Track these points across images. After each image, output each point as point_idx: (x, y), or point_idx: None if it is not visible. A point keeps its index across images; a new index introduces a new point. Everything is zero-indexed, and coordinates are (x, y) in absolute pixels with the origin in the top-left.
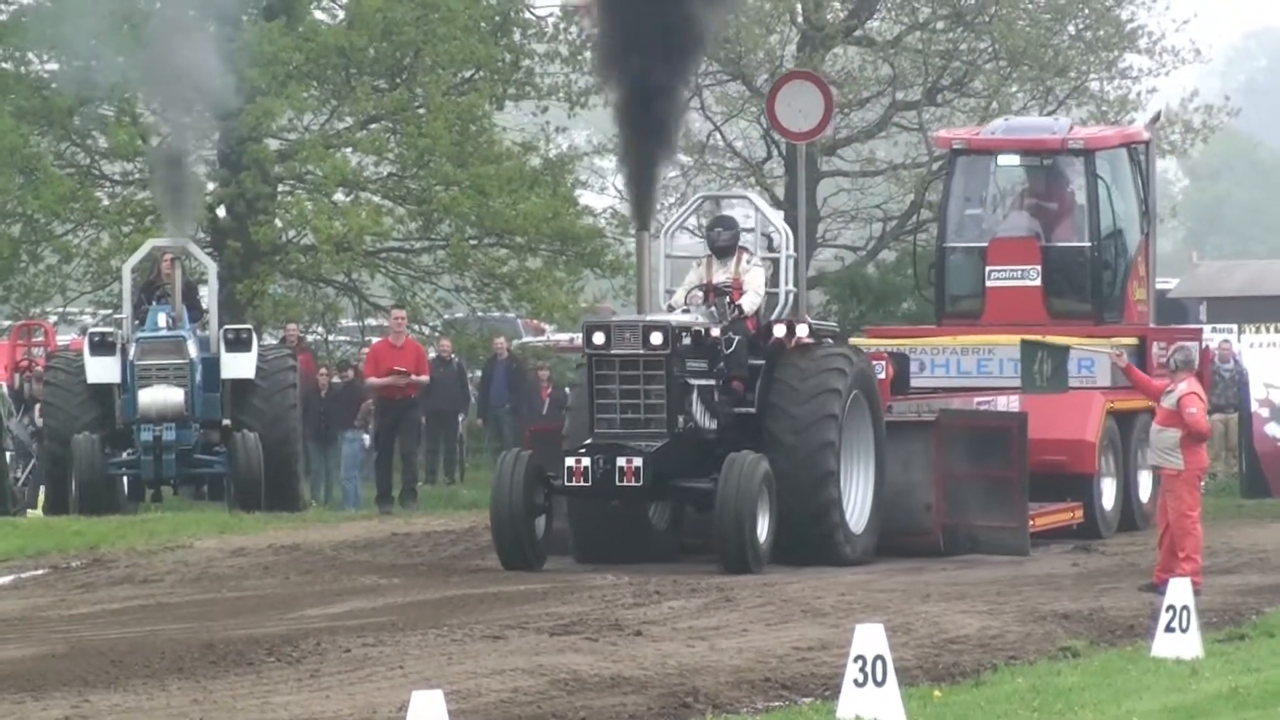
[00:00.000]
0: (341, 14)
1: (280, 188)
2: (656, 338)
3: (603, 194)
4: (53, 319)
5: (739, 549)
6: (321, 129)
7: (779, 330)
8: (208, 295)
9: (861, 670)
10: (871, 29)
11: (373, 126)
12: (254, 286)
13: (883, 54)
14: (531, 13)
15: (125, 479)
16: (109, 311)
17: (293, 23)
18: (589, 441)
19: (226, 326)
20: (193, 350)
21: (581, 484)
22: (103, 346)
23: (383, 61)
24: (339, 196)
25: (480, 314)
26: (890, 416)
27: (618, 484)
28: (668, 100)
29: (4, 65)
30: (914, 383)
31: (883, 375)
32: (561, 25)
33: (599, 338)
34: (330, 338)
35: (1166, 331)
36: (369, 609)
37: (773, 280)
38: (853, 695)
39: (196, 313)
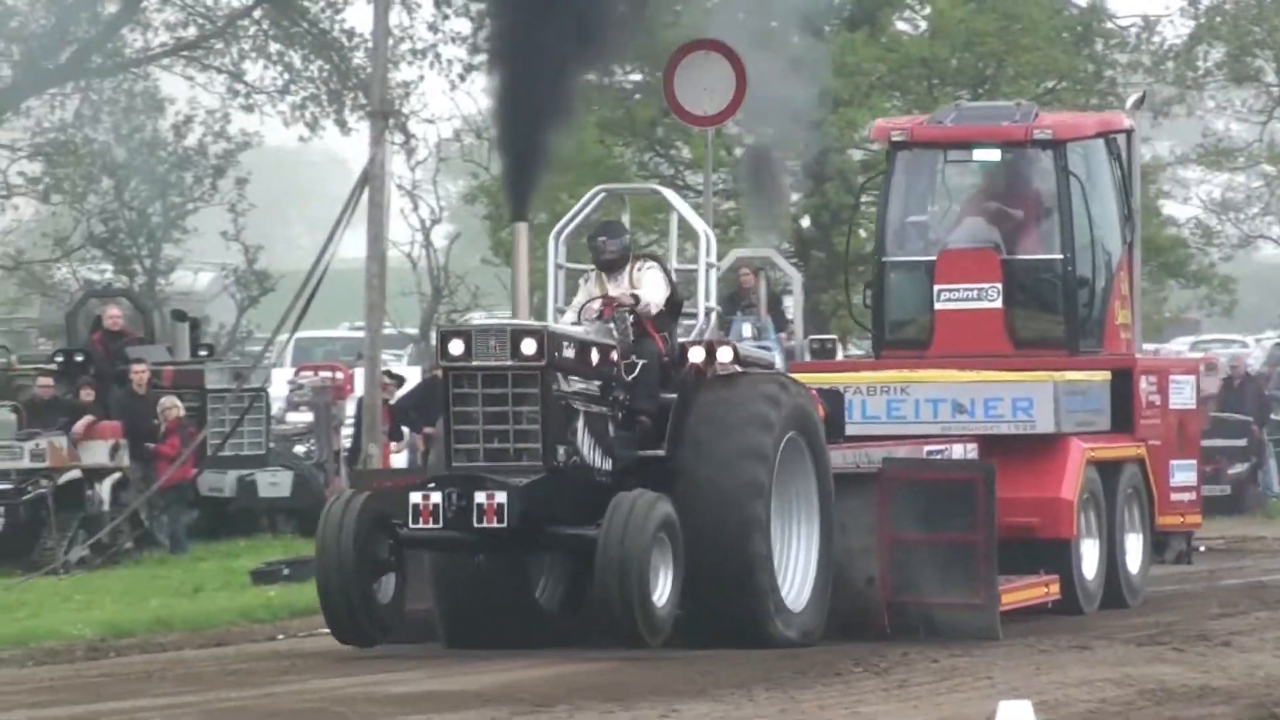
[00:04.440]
0: (924, 24)
1: (864, 198)
2: (529, 345)
3: (1186, 204)
4: None
5: (625, 612)
6: None
7: (695, 354)
8: (792, 306)
9: None
10: None
11: None
12: (838, 297)
13: None
14: (1114, 23)
15: None
16: (692, 322)
17: (875, 33)
18: (442, 473)
19: (812, 337)
20: (778, 361)
21: (430, 526)
22: None
23: (965, 72)
24: None
25: None
26: None
27: (476, 524)
28: (560, 70)
29: (588, 77)
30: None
31: None
32: (1143, 35)
33: (456, 346)
34: None
35: (1156, 363)
36: None
37: (689, 296)
38: None
39: (781, 322)
